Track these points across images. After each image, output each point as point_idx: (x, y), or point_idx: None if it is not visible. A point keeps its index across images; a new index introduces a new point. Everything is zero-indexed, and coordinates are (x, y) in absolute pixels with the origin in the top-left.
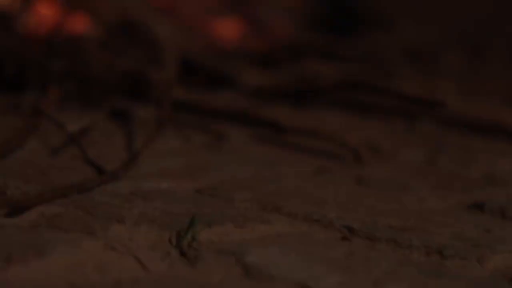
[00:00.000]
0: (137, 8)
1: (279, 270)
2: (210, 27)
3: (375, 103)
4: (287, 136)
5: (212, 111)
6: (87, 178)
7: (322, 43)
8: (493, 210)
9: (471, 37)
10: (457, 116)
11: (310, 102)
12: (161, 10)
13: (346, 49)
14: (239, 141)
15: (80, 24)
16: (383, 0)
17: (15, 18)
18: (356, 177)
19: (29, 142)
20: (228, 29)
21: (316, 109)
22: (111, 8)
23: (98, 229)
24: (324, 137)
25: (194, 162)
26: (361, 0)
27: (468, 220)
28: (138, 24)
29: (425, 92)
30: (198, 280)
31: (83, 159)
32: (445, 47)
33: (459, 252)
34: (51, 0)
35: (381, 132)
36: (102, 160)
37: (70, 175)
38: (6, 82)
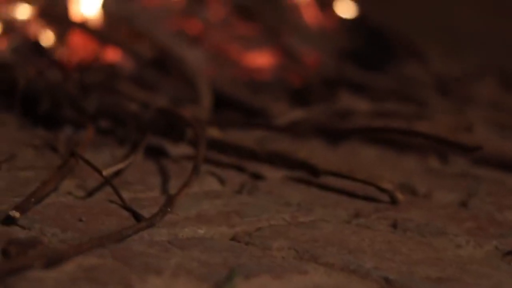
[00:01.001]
0: (171, 41)
1: None
2: (243, 58)
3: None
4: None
5: (246, 150)
6: (124, 226)
7: (356, 76)
8: None
9: (504, 68)
10: (490, 153)
11: (344, 136)
12: (195, 40)
13: (379, 82)
14: (274, 183)
15: (114, 58)
16: (417, 33)
17: (50, 51)
18: (392, 222)
19: (65, 183)
20: (261, 60)
21: (350, 143)
22: (145, 41)
23: (136, 282)
24: (359, 179)
25: (230, 206)
26: (395, 33)
27: (506, 269)
28: (172, 58)
29: (459, 125)
30: None
31: (119, 203)
32: (477, 78)
33: None
34: (85, 33)
35: (415, 171)
36: (137, 204)
37: (107, 221)
38: (41, 118)
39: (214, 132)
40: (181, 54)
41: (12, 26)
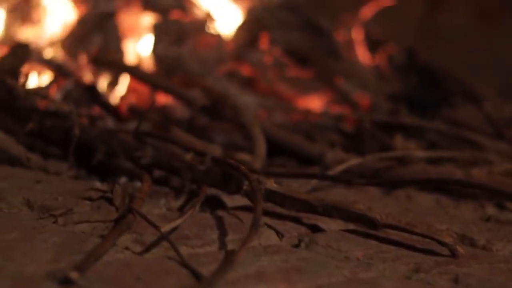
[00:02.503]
0: (223, 85)
1: None
2: (296, 101)
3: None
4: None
5: (303, 203)
6: (183, 286)
7: (409, 119)
8: None
9: None
10: None
11: (400, 181)
12: (247, 83)
13: (433, 125)
14: (332, 236)
15: (167, 104)
16: (469, 74)
17: (103, 96)
18: (453, 277)
19: (122, 238)
20: (314, 103)
21: (405, 190)
22: (197, 86)
23: None
24: (419, 233)
25: (289, 262)
26: (447, 74)
27: None
28: (225, 104)
29: None
30: None
31: (178, 259)
32: None
33: None
34: (138, 79)
35: (473, 219)
36: (196, 260)
37: (165, 280)
38: (96, 168)
39: (270, 184)
40: (235, 99)
41: (65, 71)
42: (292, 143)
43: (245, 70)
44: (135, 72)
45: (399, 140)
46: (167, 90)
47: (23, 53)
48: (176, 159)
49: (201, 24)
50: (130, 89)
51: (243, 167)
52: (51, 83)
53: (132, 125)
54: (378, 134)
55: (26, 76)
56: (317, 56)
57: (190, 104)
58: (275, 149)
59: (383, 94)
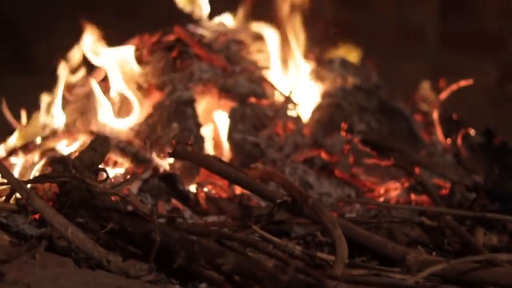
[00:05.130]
0: (302, 174)
1: None
2: (375, 188)
3: None
4: None
5: None
6: None
7: (491, 210)
8: None
9: None
10: None
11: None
12: (325, 170)
13: None
14: None
15: (246, 198)
16: None
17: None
18: None
19: None
20: (392, 190)
21: None
22: (278, 180)
23: None
24: None
25: None
26: None
27: None
28: (306, 203)
29: None
30: None
31: None
32: None
33: None
34: (219, 174)
35: None
36: None
37: None
38: (176, 273)
39: None
40: (314, 198)
41: (142, 160)
42: (373, 241)
43: (323, 157)
44: (214, 166)
45: (480, 235)
46: (246, 187)
47: (102, 147)
48: (258, 267)
49: (279, 109)
50: (208, 179)
51: (326, 280)
52: (129, 180)
53: (211, 218)
54: (459, 229)
55: (105, 172)
56: (394, 144)
57: (270, 199)
58: (356, 245)
59: (462, 181)
